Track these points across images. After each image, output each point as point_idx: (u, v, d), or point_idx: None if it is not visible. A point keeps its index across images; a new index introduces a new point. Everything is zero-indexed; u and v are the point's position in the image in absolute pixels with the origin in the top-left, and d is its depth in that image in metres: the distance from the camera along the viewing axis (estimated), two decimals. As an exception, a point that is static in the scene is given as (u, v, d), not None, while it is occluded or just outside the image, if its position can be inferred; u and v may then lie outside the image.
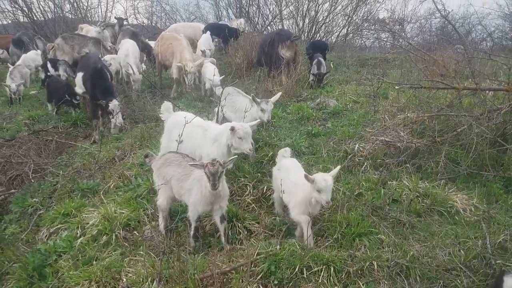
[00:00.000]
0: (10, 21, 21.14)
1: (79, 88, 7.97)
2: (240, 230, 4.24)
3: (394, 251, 3.75)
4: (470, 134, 5.21)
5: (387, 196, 4.60)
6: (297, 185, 3.87)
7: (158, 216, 4.36)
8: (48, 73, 10.92)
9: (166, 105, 5.43)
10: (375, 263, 3.57)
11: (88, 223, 4.43)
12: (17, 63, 11.25)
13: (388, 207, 4.44)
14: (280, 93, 6.22)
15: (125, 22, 15.76)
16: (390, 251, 3.75)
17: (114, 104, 7.11)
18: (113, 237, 4.20)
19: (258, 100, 5.64)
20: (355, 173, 5.11)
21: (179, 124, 4.75)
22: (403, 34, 16.30)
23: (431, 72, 7.34)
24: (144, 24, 21.76)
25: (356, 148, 5.56)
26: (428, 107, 6.18)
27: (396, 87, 6.95)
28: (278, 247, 3.74)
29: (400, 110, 6.56)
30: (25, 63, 11.27)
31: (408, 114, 6.24)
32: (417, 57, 7.92)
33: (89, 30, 13.59)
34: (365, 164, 5.27)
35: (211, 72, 8.13)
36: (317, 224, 4.18)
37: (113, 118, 7.17)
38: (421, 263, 3.60)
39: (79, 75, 7.90)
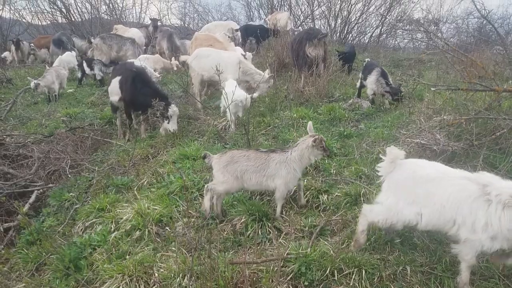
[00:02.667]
0: (49, 22, 21.95)
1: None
2: (270, 230, 4.23)
3: (428, 256, 3.66)
4: (510, 138, 5.02)
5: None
6: None
7: (205, 196, 4.40)
8: (85, 72, 11.30)
9: (394, 153, 3.58)
10: (408, 267, 3.50)
11: (121, 218, 4.53)
12: (54, 63, 11.66)
13: (422, 211, 4.33)
14: None
15: (158, 23, 16.10)
16: (424, 256, 3.66)
17: (173, 110, 6.84)
18: (146, 232, 4.28)
19: None
20: (389, 175, 5.00)
21: (424, 179, 3.38)
22: (439, 34, 15.87)
23: (469, 73, 7.11)
24: (176, 25, 22.11)
25: (390, 150, 5.44)
26: (465, 110, 5.99)
27: (432, 89, 6.76)
28: (309, 249, 3.71)
29: (436, 112, 6.38)
30: (61, 65, 11.62)
31: (445, 117, 6.06)
32: (454, 58, 7.70)
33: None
34: (399, 166, 5.15)
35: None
36: (348, 227, 4.13)
37: (168, 123, 6.88)
38: (457, 270, 3.49)
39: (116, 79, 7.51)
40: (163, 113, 6.81)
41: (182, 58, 9.28)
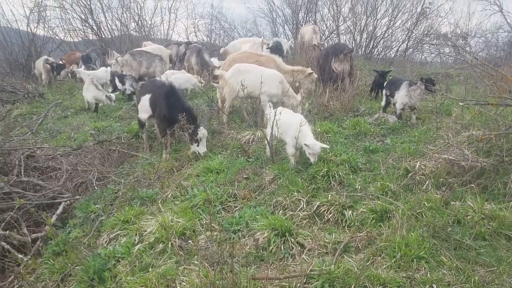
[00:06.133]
0: (80, 39, 22.71)
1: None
2: (293, 245, 4.17)
3: (456, 275, 3.53)
4: (543, 154, 4.84)
5: (449, 217, 4.36)
6: None
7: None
8: (117, 88, 11.57)
9: None
10: (435, 286, 3.39)
11: (145, 231, 4.57)
12: (88, 74, 11.94)
13: (450, 229, 4.20)
14: None
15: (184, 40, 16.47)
16: (452, 274, 3.54)
17: (202, 133, 6.67)
18: (169, 245, 4.29)
19: None
20: (416, 192, 4.90)
21: None
22: (467, 48, 15.60)
23: (499, 88, 6.93)
24: (203, 41, 22.50)
25: (417, 166, 5.32)
26: (495, 125, 5.82)
27: (460, 104, 6.63)
28: (333, 265, 3.64)
29: (465, 128, 6.23)
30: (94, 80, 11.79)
31: (473, 132, 5.91)
32: (483, 73, 7.52)
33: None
34: (427, 182, 5.03)
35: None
36: (374, 244, 4.04)
37: (198, 146, 6.72)
38: (487, 290, 3.37)
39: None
40: (192, 136, 6.65)
41: (217, 72, 9.22)
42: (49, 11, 20.86)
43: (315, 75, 8.91)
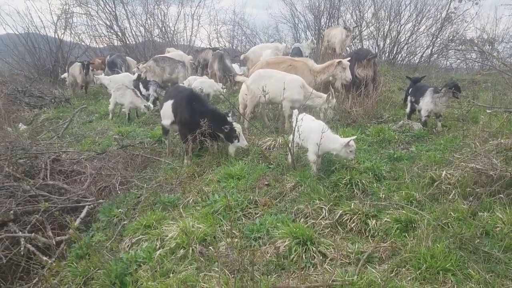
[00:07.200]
0: (105, 45, 23.22)
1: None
2: (315, 255, 4.11)
3: (485, 289, 3.41)
4: None
5: (477, 229, 4.22)
6: None
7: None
8: (141, 93, 11.76)
9: None
10: (463, 301, 3.28)
11: (167, 236, 4.58)
12: (106, 79, 12.21)
13: (478, 241, 4.07)
14: None
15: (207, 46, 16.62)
16: (480, 288, 3.42)
17: (239, 127, 6.70)
18: (190, 251, 4.29)
19: None
20: (442, 201, 4.77)
21: None
22: (494, 54, 15.19)
23: (529, 95, 6.74)
24: (225, 47, 22.67)
25: (443, 174, 5.19)
26: (525, 133, 5.65)
27: (488, 111, 6.46)
28: (355, 276, 3.57)
29: (493, 136, 6.05)
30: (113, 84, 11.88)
31: (502, 140, 5.72)
32: (511, 79, 7.33)
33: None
34: (453, 192, 4.89)
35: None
36: (398, 254, 3.95)
37: (238, 141, 6.72)
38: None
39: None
40: (231, 135, 6.64)
41: (238, 78, 9.22)
42: (76, 17, 21.48)
43: (346, 62, 8.78)
